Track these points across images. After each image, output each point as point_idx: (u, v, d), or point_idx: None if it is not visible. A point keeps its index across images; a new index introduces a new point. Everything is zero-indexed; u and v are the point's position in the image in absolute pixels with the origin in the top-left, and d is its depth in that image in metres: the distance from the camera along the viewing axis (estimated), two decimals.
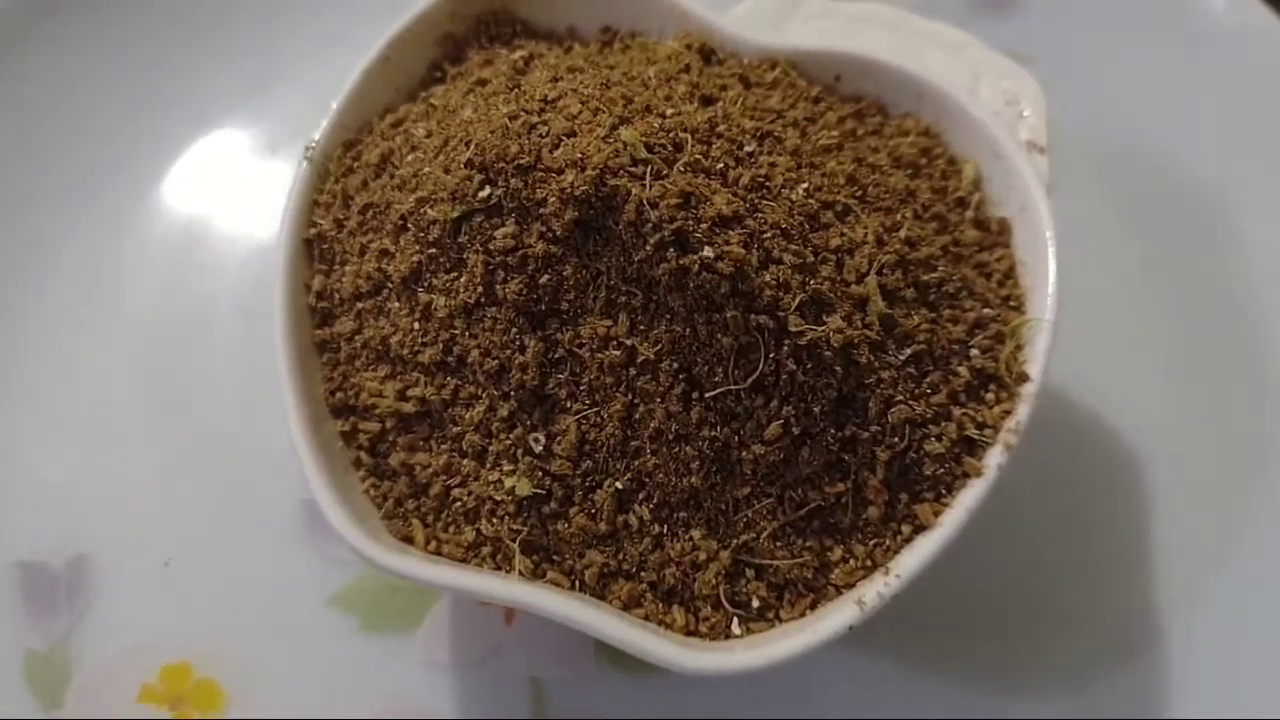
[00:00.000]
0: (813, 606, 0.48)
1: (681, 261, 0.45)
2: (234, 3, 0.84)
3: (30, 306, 0.74)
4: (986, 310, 0.52)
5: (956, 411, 0.49)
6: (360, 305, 0.54)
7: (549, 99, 0.50)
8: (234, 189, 0.79)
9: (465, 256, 0.49)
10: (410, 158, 0.54)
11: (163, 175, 0.79)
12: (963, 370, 0.50)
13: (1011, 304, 0.53)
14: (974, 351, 0.51)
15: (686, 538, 0.48)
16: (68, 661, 0.62)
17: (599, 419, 0.48)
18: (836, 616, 0.46)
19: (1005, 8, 0.83)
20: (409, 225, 0.52)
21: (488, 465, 0.50)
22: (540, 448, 0.49)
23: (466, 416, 0.50)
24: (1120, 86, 0.79)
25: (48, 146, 0.78)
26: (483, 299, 0.49)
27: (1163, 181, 0.75)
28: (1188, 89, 0.78)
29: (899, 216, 0.53)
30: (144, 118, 0.81)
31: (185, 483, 0.67)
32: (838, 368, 0.47)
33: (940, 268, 0.52)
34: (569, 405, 0.48)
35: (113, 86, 0.81)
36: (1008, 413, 0.50)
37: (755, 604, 0.48)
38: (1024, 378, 0.51)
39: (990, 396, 0.51)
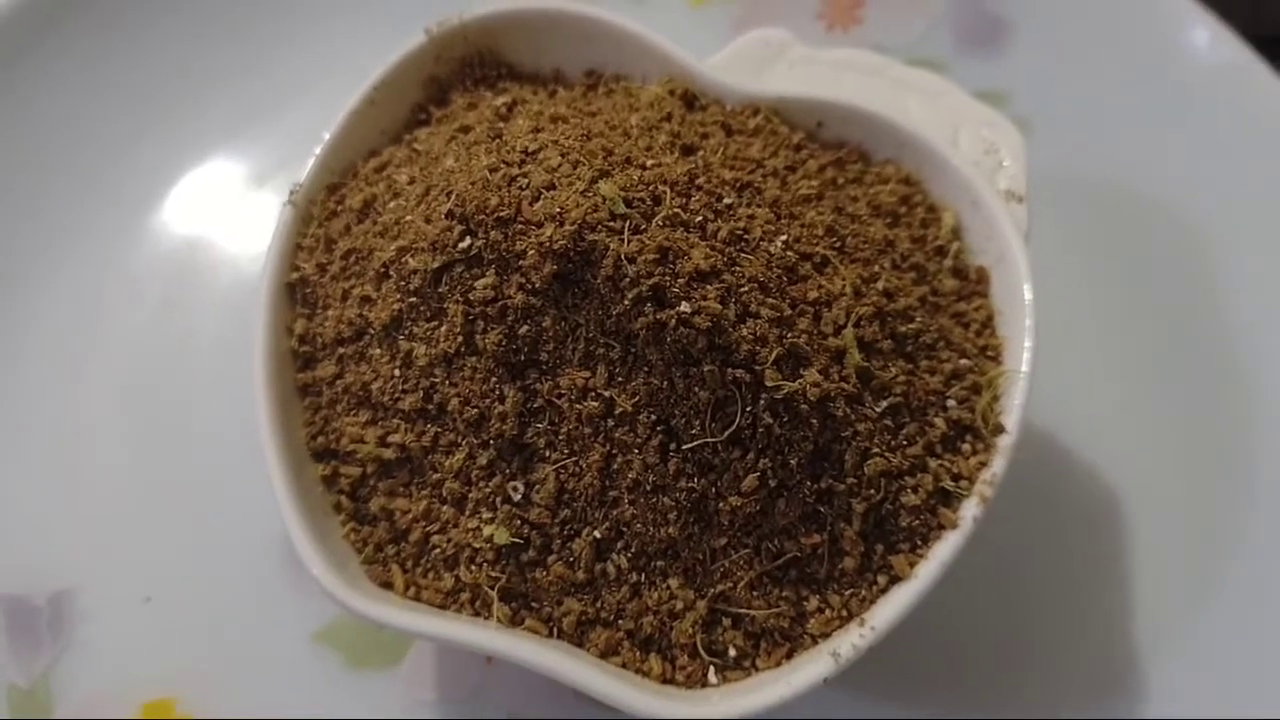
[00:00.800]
0: (789, 656, 0.49)
1: (659, 316, 0.45)
2: (223, 36, 0.84)
3: (14, 339, 0.74)
4: (964, 361, 0.53)
5: (933, 463, 0.50)
6: (342, 350, 0.54)
7: (529, 150, 0.50)
8: (222, 222, 0.79)
9: (445, 306, 0.49)
10: (392, 204, 0.55)
11: (150, 209, 0.79)
12: (939, 422, 0.51)
13: (989, 354, 0.54)
14: (950, 403, 0.52)
15: (664, 586, 0.49)
16: (49, 697, 0.62)
17: (577, 469, 0.48)
18: (811, 668, 0.47)
19: (991, 45, 0.83)
20: (390, 273, 0.52)
21: (467, 513, 0.50)
22: (519, 496, 0.49)
23: (446, 464, 0.50)
24: (1103, 124, 0.79)
25: (35, 179, 0.78)
26: (463, 348, 0.49)
27: (1145, 219, 0.76)
28: (1169, 126, 0.78)
29: (877, 267, 0.53)
30: (132, 151, 0.81)
31: (168, 517, 0.67)
32: (814, 420, 0.47)
33: (918, 318, 0.53)
34: (548, 455, 0.49)
35: (100, 120, 0.81)
36: (983, 464, 0.51)
37: (732, 653, 0.49)
38: (1000, 429, 0.51)
39: (966, 448, 0.51)
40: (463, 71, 0.64)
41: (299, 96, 0.82)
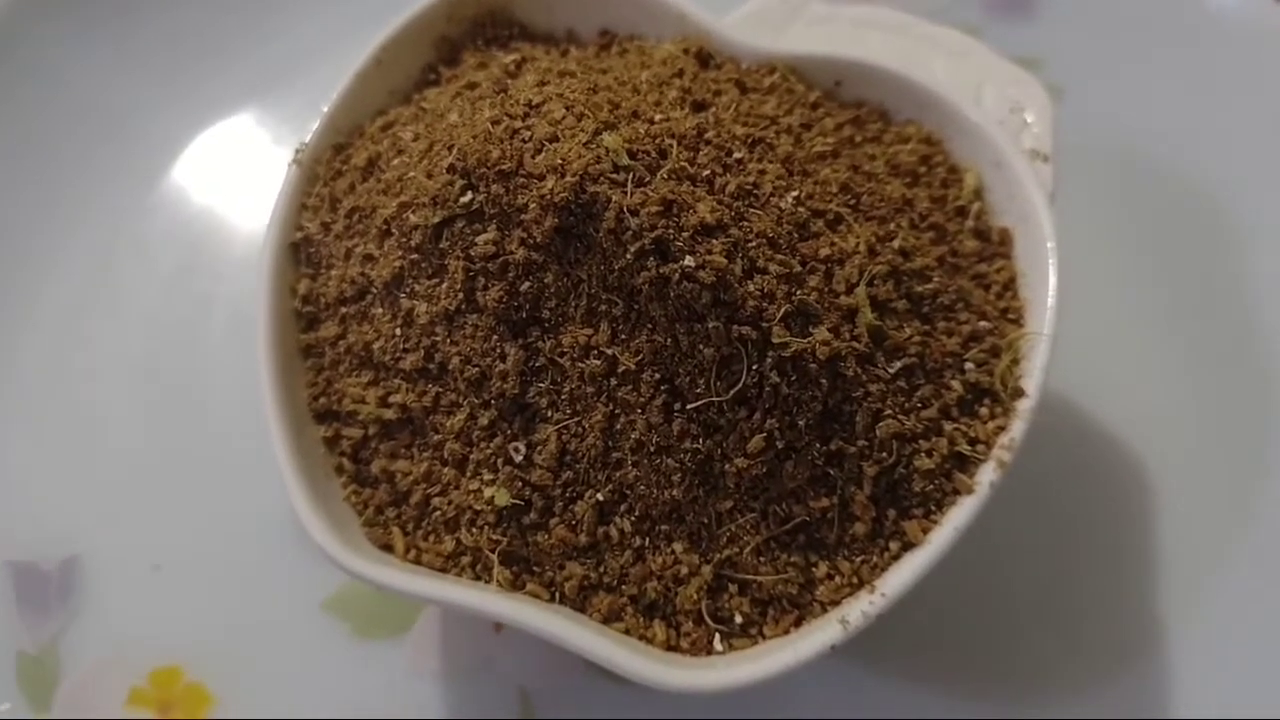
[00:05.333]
0: (797, 623, 0.47)
1: (662, 270, 0.44)
2: (235, 1, 0.84)
3: (26, 307, 0.74)
4: (983, 323, 0.51)
5: (948, 427, 0.48)
6: (344, 310, 0.53)
7: (533, 104, 0.49)
8: (234, 190, 0.79)
9: (446, 262, 0.48)
10: (396, 161, 0.54)
11: (163, 176, 0.79)
12: (956, 384, 0.49)
13: (1010, 317, 0.52)
14: (969, 365, 0.50)
15: (668, 551, 0.48)
16: (57, 663, 0.62)
17: (580, 429, 0.47)
18: (819, 635, 0.45)
19: (1021, 11, 0.81)
20: (392, 230, 0.51)
21: (468, 474, 0.49)
22: (520, 457, 0.48)
23: (447, 424, 0.49)
24: (1135, 89, 0.77)
25: (46, 148, 0.79)
26: (463, 306, 0.48)
27: (1175, 185, 0.74)
28: (1202, 92, 0.77)
29: (893, 226, 0.52)
30: (144, 117, 0.81)
31: (178, 485, 0.67)
32: (823, 380, 0.46)
33: (935, 279, 0.51)
34: (549, 415, 0.48)
35: (114, 85, 0.81)
36: (1002, 429, 0.49)
37: (738, 620, 0.47)
38: (1020, 393, 0.49)
39: (984, 411, 0.49)
40: (474, 31, 0.63)
41: (316, 59, 0.82)
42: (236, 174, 0.80)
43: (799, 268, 0.47)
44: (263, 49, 0.83)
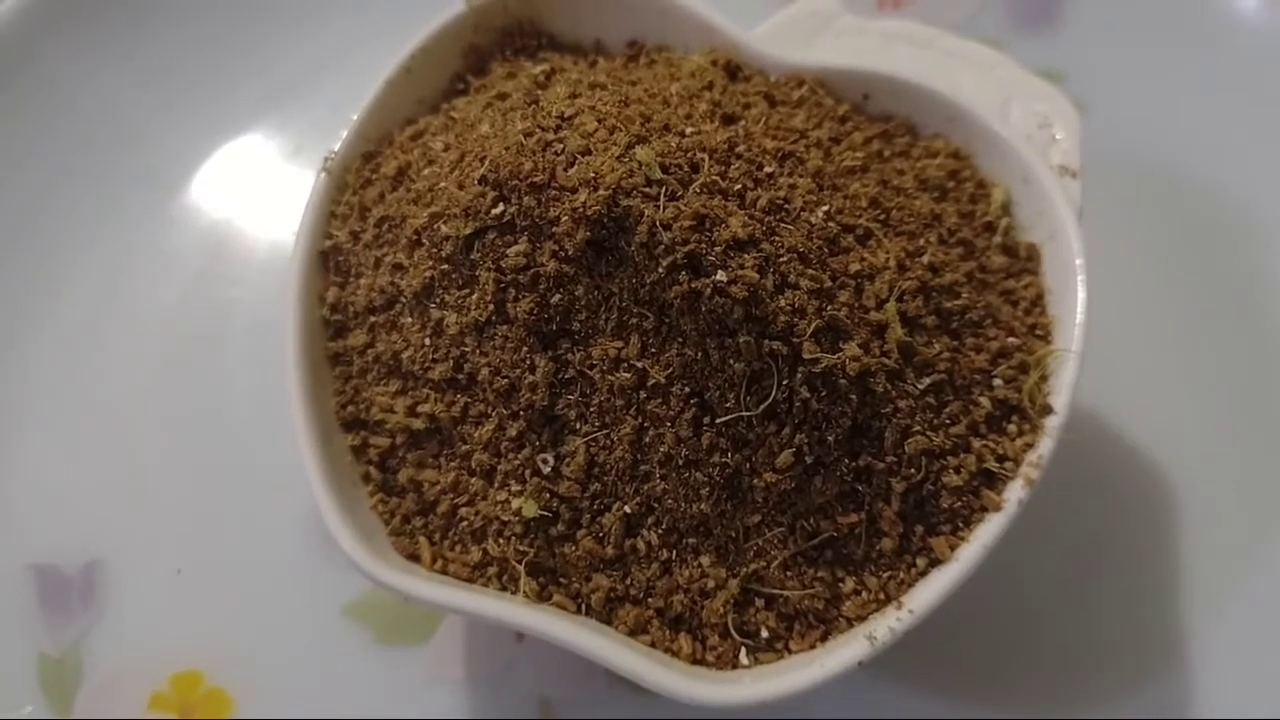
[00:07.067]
0: (823, 639, 0.47)
1: (694, 285, 0.44)
2: (259, 8, 0.84)
3: (50, 312, 0.74)
4: (1011, 339, 0.51)
5: (976, 443, 0.48)
6: (373, 319, 0.53)
7: (566, 116, 0.49)
8: (257, 197, 0.79)
9: (477, 273, 0.48)
10: (427, 171, 0.54)
11: (186, 182, 0.80)
12: (984, 401, 0.49)
13: (1038, 333, 0.52)
14: (997, 382, 0.50)
15: (695, 564, 0.48)
16: (79, 666, 0.62)
17: (608, 441, 0.47)
18: (846, 651, 0.45)
19: (1046, 24, 0.81)
20: (423, 240, 0.51)
21: (496, 485, 0.49)
22: (549, 469, 0.48)
23: (476, 435, 0.49)
24: (1161, 102, 0.77)
25: (67, 159, 0.79)
26: (494, 317, 0.48)
27: (1202, 199, 0.74)
28: (1228, 105, 0.76)
29: (923, 241, 0.52)
30: (167, 124, 0.81)
31: (200, 489, 0.67)
32: (853, 396, 0.46)
33: (964, 295, 0.51)
34: (578, 427, 0.48)
35: (136, 93, 0.81)
36: (1030, 445, 0.49)
37: (764, 634, 0.47)
38: (1047, 410, 0.49)
39: (1012, 428, 0.49)
40: (503, 41, 0.63)
41: (333, 71, 0.82)
42: (255, 183, 0.80)
43: (829, 283, 0.47)
44: (281, 60, 0.83)
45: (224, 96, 0.83)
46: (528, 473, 0.48)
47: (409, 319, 0.52)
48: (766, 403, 0.45)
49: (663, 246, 0.44)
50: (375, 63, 0.61)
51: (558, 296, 0.47)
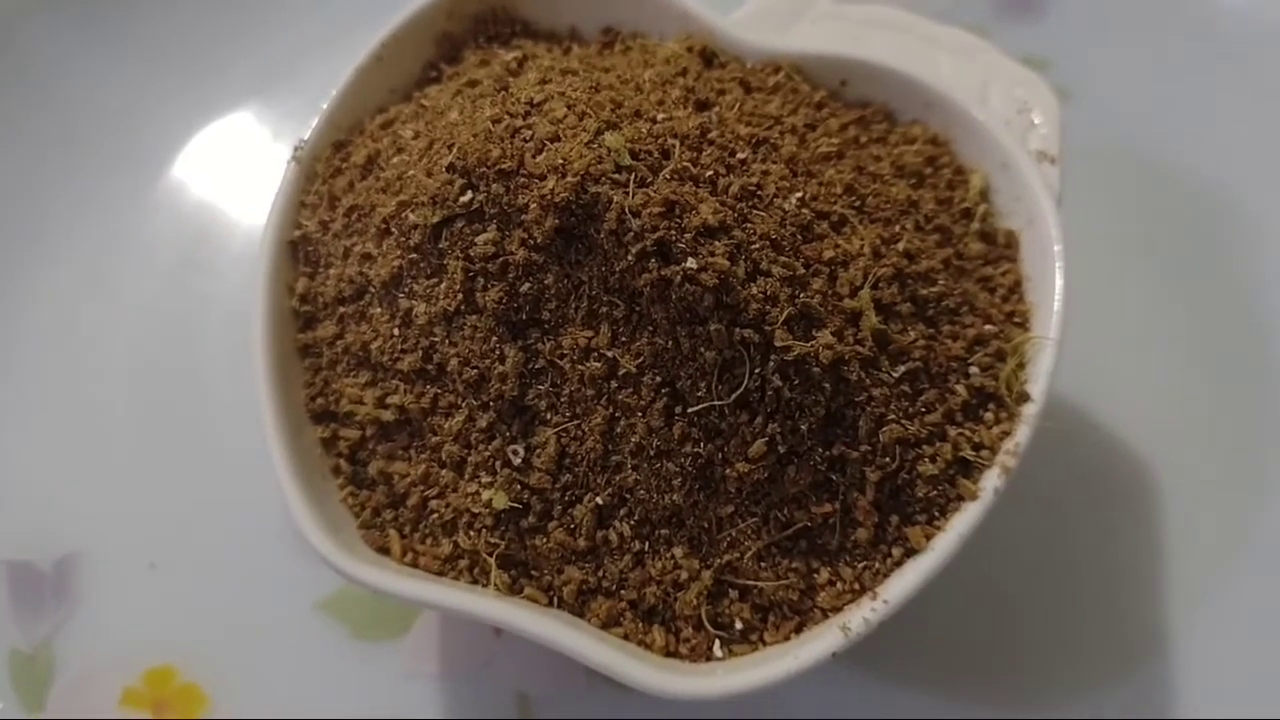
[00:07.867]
0: (798, 630, 0.47)
1: (664, 273, 0.43)
2: None
3: (23, 303, 0.73)
4: (988, 326, 0.51)
5: (952, 431, 0.48)
6: (342, 310, 0.53)
7: (535, 102, 0.48)
8: (233, 186, 0.78)
9: (446, 262, 0.48)
10: (396, 160, 0.53)
11: (162, 173, 0.79)
12: (960, 389, 0.48)
13: (1015, 320, 0.51)
14: (973, 369, 0.49)
15: (668, 556, 0.47)
16: (51, 662, 0.61)
17: (579, 432, 0.47)
18: (820, 642, 0.45)
19: (1029, 11, 0.81)
20: (391, 229, 0.50)
21: (466, 476, 0.48)
22: (519, 460, 0.47)
23: (445, 426, 0.49)
24: (1145, 91, 0.77)
25: (44, 143, 0.78)
26: (463, 306, 0.47)
27: (1184, 188, 0.73)
28: (1212, 94, 0.76)
29: (898, 228, 0.51)
30: (143, 114, 0.80)
31: (175, 484, 0.66)
32: (826, 384, 0.45)
33: (940, 282, 0.50)
34: (549, 417, 0.47)
35: (111, 83, 0.80)
36: (1006, 433, 0.48)
37: (738, 626, 0.47)
38: (1025, 397, 0.49)
39: (989, 416, 0.49)
40: (476, 28, 0.62)
41: (316, 56, 0.81)
42: (236, 171, 0.79)
43: (802, 270, 0.46)
44: (262, 46, 0.82)
45: (203, 85, 0.82)
46: (498, 464, 0.48)
47: (378, 309, 0.51)
48: (738, 392, 0.45)
49: (632, 234, 0.43)
50: (355, 52, 0.60)
51: (527, 285, 0.46)
